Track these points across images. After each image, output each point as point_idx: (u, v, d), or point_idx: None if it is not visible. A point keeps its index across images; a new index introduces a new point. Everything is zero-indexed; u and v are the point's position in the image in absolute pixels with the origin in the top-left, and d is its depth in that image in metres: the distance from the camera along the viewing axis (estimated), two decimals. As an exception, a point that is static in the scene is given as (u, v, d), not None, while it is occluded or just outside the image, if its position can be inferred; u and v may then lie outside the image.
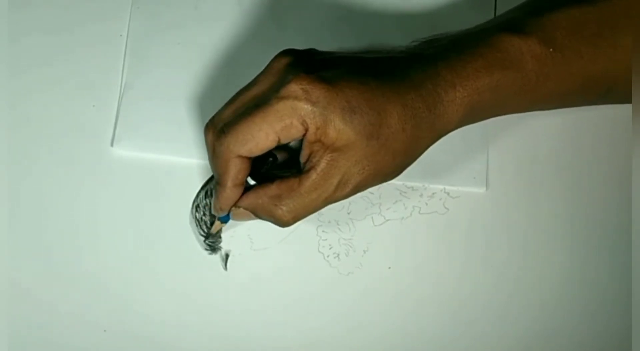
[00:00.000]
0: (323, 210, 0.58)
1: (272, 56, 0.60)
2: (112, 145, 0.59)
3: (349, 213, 0.59)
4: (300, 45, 0.54)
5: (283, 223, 0.53)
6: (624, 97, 0.56)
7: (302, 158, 0.52)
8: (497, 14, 0.62)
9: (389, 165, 0.52)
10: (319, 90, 0.49)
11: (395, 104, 0.51)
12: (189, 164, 0.59)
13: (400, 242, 0.59)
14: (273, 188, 0.52)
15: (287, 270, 0.58)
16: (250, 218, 0.54)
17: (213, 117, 0.53)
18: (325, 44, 0.55)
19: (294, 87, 0.50)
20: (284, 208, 0.52)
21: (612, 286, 0.58)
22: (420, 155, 0.54)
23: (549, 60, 0.53)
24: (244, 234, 0.58)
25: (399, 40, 0.60)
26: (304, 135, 0.50)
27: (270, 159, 0.54)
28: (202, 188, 0.58)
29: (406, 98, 0.51)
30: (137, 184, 0.59)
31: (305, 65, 0.51)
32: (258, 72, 0.54)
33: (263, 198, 0.52)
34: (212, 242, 0.58)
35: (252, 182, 0.54)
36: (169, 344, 0.57)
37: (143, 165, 0.59)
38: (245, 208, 0.53)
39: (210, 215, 0.58)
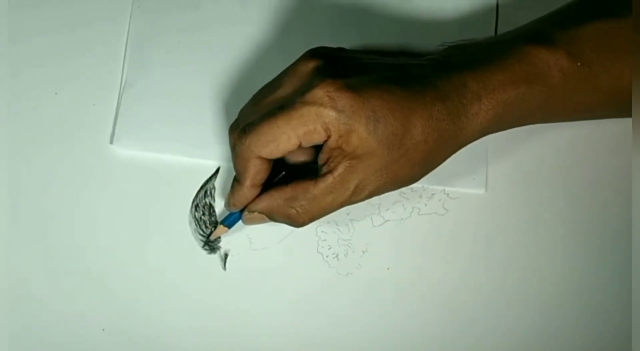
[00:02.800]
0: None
1: (273, 57, 0.60)
2: (111, 143, 0.59)
3: (348, 214, 0.59)
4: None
5: (299, 223, 0.53)
6: None
7: (320, 161, 0.52)
8: (499, 14, 0.62)
9: (407, 173, 0.52)
10: (345, 98, 0.49)
11: (420, 116, 0.51)
12: (189, 163, 0.59)
13: (400, 243, 0.59)
14: (288, 191, 0.52)
15: (286, 270, 0.58)
16: (262, 222, 0.54)
17: (237, 118, 0.54)
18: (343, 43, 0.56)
19: (320, 93, 0.49)
20: (299, 209, 0.52)
21: (612, 286, 0.58)
22: (439, 165, 0.54)
23: (576, 74, 0.53)
24: (243, 234, 0.58)
25: (402, 40, 0.60)
26: (325, 141, 0.50)
27: (283, 173, 0.54)
28: (202, 187, 0.58)
29: (432, 110, 0.51)
30: (137, 183, 0.59)
31: (332, 69, 0.51)
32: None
33: (278, 201, 0.53)
34: (211, 241, 0.58)
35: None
36: (168, 343, 0.57)
37: (142, 164, 0.59)
38: (261, 212, 0.54)
39: (210, 215, 0.58)
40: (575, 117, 0.58)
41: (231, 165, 0.56)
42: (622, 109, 0.56)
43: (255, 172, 0.52)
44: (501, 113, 0.53)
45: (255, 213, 0.54)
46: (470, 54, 0.54)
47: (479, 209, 0.59)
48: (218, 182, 0.59)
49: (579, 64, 0.53)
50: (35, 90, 0.60)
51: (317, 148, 0.52)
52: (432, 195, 0.59)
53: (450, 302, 0.58)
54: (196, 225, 0.58)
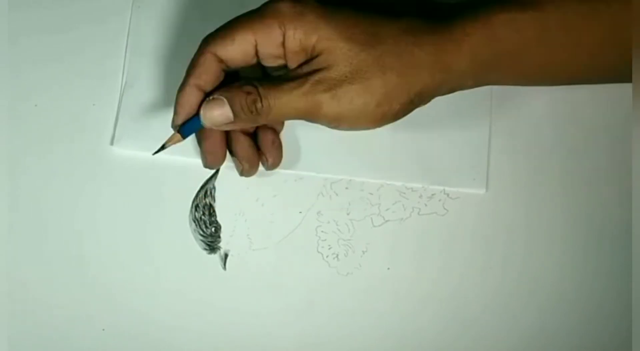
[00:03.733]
0: (323, 210, 0.58)
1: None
2: (112, 144, 0.59)
3: (348, 214, 0.59)
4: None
5: (263, 114, 0.50)
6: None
7: (290, 66, 0.50)
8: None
9: (377, 80, 0.49)
10: (306, 8, 0.49)
11: (391, 21, 0.49)
12: (189, 163, 0.59)
13: (400, 243, 0.58)
14: (253, 83, 0.50)
15: (286, 270, 0.58)
16: (223, 120, 0.51)
17: None
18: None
19: (282, 2, 0.49)
20: (264, 100, 0.49)
21: (612, 286, 0.58)
22: (420, 92, 0.50)
23: (574, 7, 0.50)
24: (243, 234, 0.58)
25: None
26: (283, 43, 0.49)
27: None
28: (202, 187, 0.58)
29: (406, 20, 0.49)
30: (137, 183, 0.59)
31: None
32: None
33: (242, 90, 0.50)
34: (211, 241, 0.58)
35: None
36: (167, 343, 0.57)
37: (143, 165, 0.59)
38: (221, 94, 0.50)
39: (210, 215, 0.58)
40: (568, 70, 0.54)
41: (231, 164, 0.56)
42: (605, 68, 0.54)
43: (204, 70, 0.50)
44: (491, 35, 0.50)
45: (214, 100, 0.50)
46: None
47: (480, 209, 0.59)
48: (218, 183, 0.59)
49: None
50: (35, 90, 0.60)
51: None
52: (432, 195, 0.59)
53: (450, 302, 0.58)
54: (196, 225, 0.58)
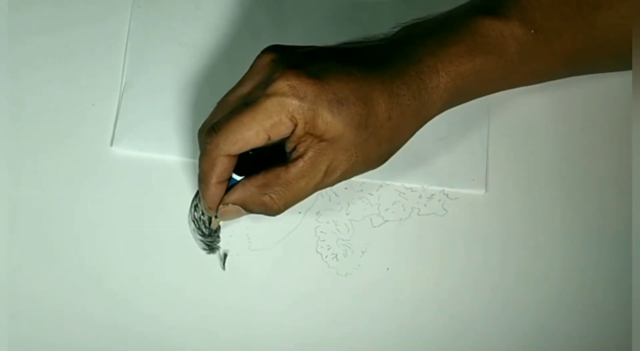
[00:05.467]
0: (322, 210, 0.59)
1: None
2: (111, 145, 0.59)
3: (347, 214, 0.59)
4: (301, 45, 0.54)
5: (274, 211, 0.53)
6: (603, 68, 0.59)
7: (288, 149, 0.52)
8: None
9: (375, 152, 0.52)
10: (306, 85, 0.50)
11: (381, 93, 0.51)
12: (189, 164, 0.59)
13: (399, 243, 0.59)
14: (260, 178, 0.52)
15: (285, 270, 0.58)
16: (239, 215, 0.54)
17: (205, 121, 0.53)
18: (327, 44, 0.55)
19: (281, 84, 0.50)
20: (274, 196, 0.52)
21: (611, 287, 0.58)
22: (405, 143, 0.54)
23: (531, 41, 0.54)
24: (243, 234, 0.58)
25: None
26: (293, 131, 0.50)
27: (250, 153, 0.53)
28: (201, 187, 0.58)
29: (392, 86, 0.51)
30: (136, 184, 0.59)
31: (290, 59, 0.51)
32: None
33: (251, 189, 0.52)
34: (210, 241, 0.58)
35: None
36: (166, 343, 0.57)
37: (142, 164, 0.59)
38: (234, 203, 0.53)
39: (209, 215, 0.58)
40: (534, 82, 0.58)
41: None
42: (576, 70, 0.58)
43: (222, 170, 0.52)
44: (460, 85, 0.53)
45: (230, 206, 0.53)
46: (423, 31, 0.55)
47: (479, 210, 0.59)
48: (217, 182, 0.59)
49: (532, 31, 0.54)
50: (35, 90, 0.60)
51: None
52: (432, 195, 0.59)
53: (450, 302, 0.58)
54: (195, 225, 0.58)
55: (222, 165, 0.52)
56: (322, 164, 0.51)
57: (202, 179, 0.53)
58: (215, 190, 0.53)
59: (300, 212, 0.59)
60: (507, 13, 0.54)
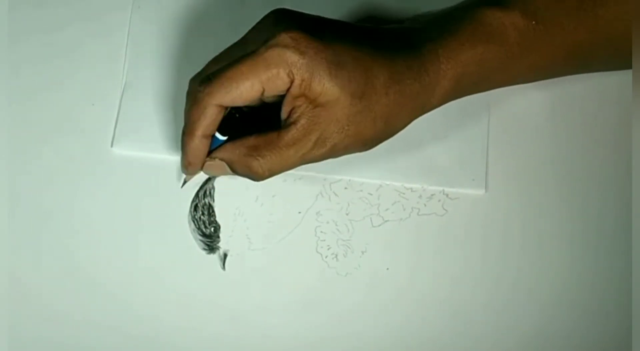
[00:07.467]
0: (322, 210, 0.58)
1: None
2: (112, 145, 0.59)
3: (347, 214, 0.59)
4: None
5: (258, 175, 0.52)
6: (605, 66, 0.59)
7: (283, 114, 0.51)
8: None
9: (368, 129, 0.52)
10: (308, 41, 0.49)
11: (381, 67, 0.51)
12: (188, 163, 0.59)
13: (399, 243, 0.59)
14: (251, 140, 0.52)
15: (285, 270, 0.58)
16: (223, 173, 0.53)
17: (200, 70, 0.53)
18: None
19: (284, 36, 0.49)
20: (261, 160, 0.52)
21: (611, 287, 0.58)
22: (401, 128, 0.54)
23: (532, 32, 0.54)
24: (242, 234, 0.58)
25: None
26: (288, 88, 0.50)
27: (237, 115, 0.53)
28: (201, 187, 0.58)
29: (393, 65, 0.51)
30: (137, 184, 0.59)
31: (296, 20, 0.51)
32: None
33: (240, 148, 0.52)
34: (210, 241, 0.58)
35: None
36: (167, 343, 0.57)
37: (142, 164, 0.59)
38: (222, 159, 0.53)
39: (209, 215, 0.58)
40: (536, 77, 0.59)
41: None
42: (576, 66, 0.58)
43: (210, 121, 0.51)
44: (461, 73, 0.53)
45: (217, 160, 0.53)
46: (426, 20, 0.55)
47: (479, 210, 0.59)
48: (217, 183, 0.59)
49: (534, 22, 0.54)
50: (35, 90, 0.60)
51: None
52: (432, 195, 0.59)
53: (449, 302, 0.58)
54: (195, 225, 0.58)
55: (210, 117, 0.51)
56: (313, 134, 0.51)
57: (188, 131, 0.52)
58: (199, 143, 0.52)
59: (300, 212, 0.59)
60: (510, 4, 0.54)
